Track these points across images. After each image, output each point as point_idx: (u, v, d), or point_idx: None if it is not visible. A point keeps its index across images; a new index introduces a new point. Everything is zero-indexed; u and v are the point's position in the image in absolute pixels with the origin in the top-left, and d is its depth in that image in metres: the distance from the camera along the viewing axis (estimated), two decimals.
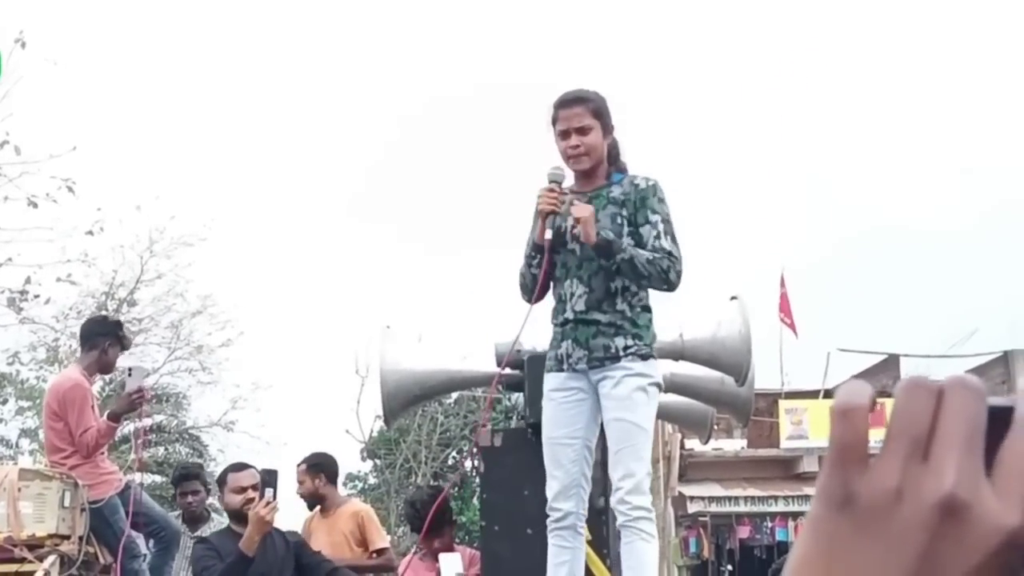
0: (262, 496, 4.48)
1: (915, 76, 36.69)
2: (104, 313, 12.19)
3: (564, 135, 3.65)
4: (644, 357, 3.61)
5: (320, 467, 5.93)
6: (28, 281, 13.11)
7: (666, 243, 3.59)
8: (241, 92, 35.11)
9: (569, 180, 3.79)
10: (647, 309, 3.71)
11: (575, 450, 3.66)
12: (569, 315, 3.67)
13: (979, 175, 36.47)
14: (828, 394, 22.16)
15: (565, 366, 3.67)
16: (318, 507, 5.91)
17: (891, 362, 22.43)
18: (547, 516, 3.71)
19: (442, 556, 5.15)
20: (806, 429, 20.63)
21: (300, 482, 5.90)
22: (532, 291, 3.73)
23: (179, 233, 17.81)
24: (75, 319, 15.22)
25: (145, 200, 17.50)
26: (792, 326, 21.76)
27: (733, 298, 5.23)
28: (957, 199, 39.03)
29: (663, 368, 5.90)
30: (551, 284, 3.78)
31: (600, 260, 3.59)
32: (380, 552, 5.78)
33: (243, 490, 4.64)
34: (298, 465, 5.97)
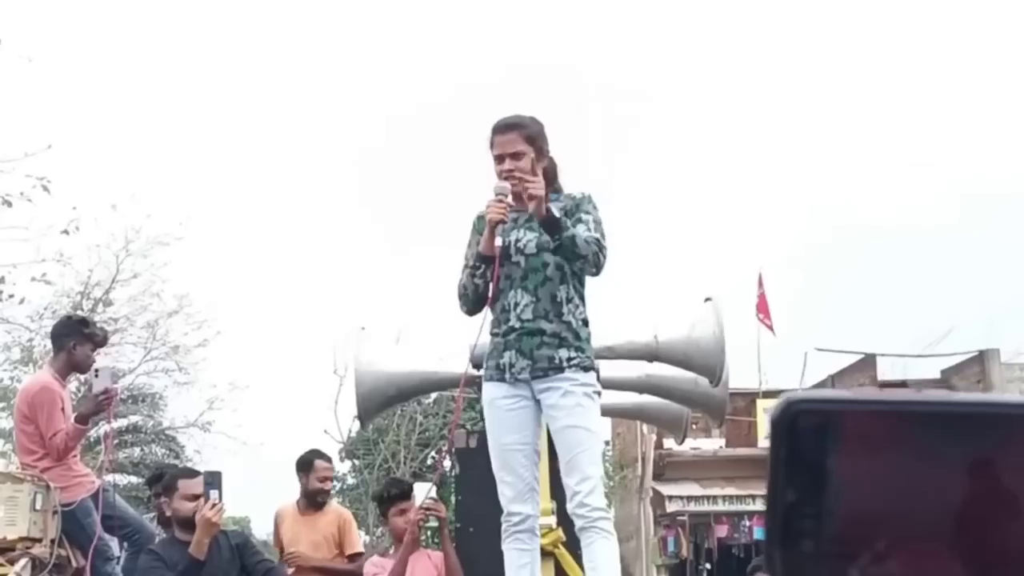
0: (207, 498, 4.45)
1: (881, 73, 36.92)
2: (70, 312, 12.09)
3: (499, 159, 3.79)
4: (586, 369, 3.74)
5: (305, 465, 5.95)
6: (2, 281, 12.98)
7: (596, 234, 3.75)
8: (216, 91, 34.95)
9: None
10: (586, 323, 3.84)
11: (526, 455, 3.75)
12: (514, 324, 3.75)
13: (947, 171, 36.74)
14: None
15: (507, 376, 3.75)
16: (296, 502, 5.89)
17: (868, 361, 22.59)
18: (505, 521, 3.75)
19: (417, 485, 5.16)
20: None
21: (329, 478, 5.89)
22: (475, 302, 3.82)
23: (155, 232, 17.69)
24: (50, 319, 15.06)
25: (121, 199, 17.44)
26: (770, 326, 21.87)
27: (707, 300, 5.26)
28: (933, 197, 39.35)
29: (638, 369, 5.93)
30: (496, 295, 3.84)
31: (545, 236, 3.71)
32: (354, 557, 5.80)
33: (195, 498, 4.59)
34: (326, 460, 5.99)
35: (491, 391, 3.78)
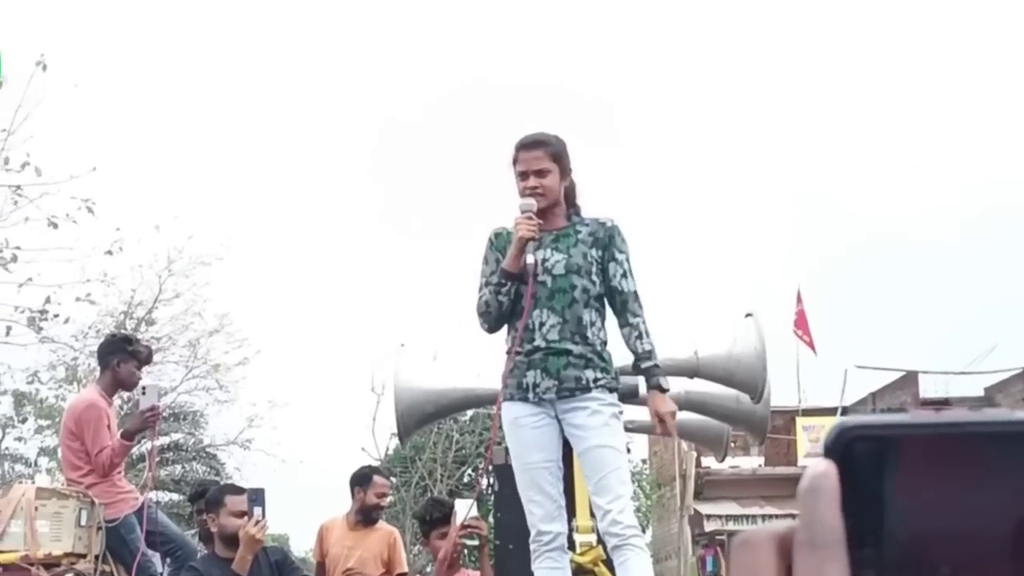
0: (251, 515, 4.48)
1: (911, 84, 36.52)
2: (114, 331, 12.26)
3: (523, 176, 3.80)
4: (612, 390, 3.77)
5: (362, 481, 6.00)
6: (48, 301, 13.18)
7: (631, 283, 3.83)
8: (256, 114, 35.37)
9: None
10: (606, 343, 3.87)
11: (552, 473, 3.75)
12: (540, 343, 3.74)
13: (993, 185, 36.27)
14: (846, 411, 22.04)
15: (531, 395, 3.74)
16: (345, 516, 5.90)
17: (909, 379, 22.30)
18: (535, 541, 3.75)
19: (458, 503, 5.16)
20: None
21: (386, 495, 5.94)
22: (497, 319, 3.81)
23: (197, 252, 17.90)
24: (94, 338, 15.26)
25: (164, 220, 17.62)
26: (810, 343, 21.67)
27: (748, 315, 5.23)
28: (978, 211, 38.84)
29: (678, 385, 5.90)
30: (512, 313, 3.83)
31: (574, 259, 3.79)
32: None
33: (242, 514, 4.62)
34: (384, 476, 6.03)
35: (515, 410, 3.77)
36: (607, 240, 3.81)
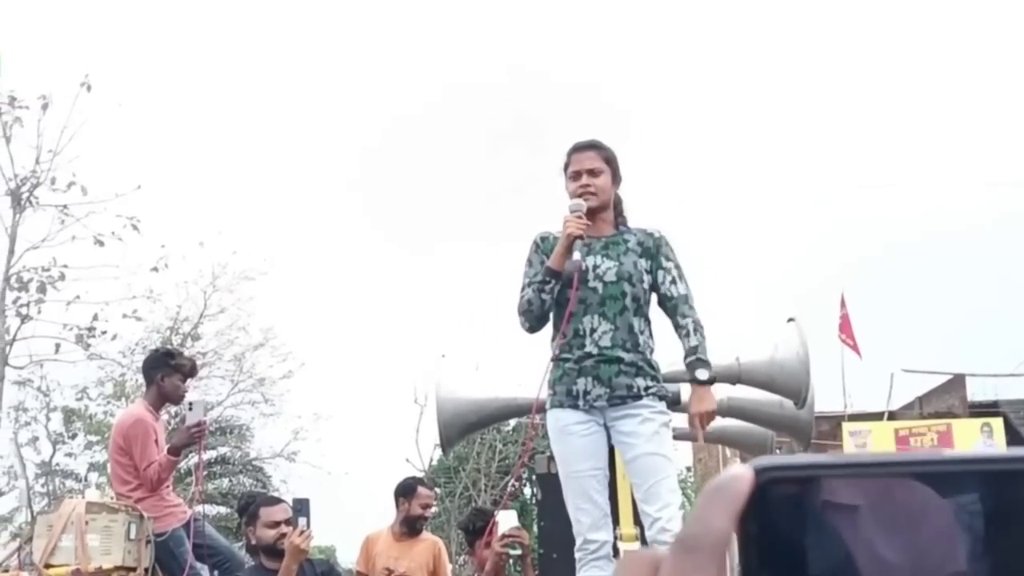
0: (295, 525, 4.51)
1: (958, 75, 36.00)
2: (157, 347, 12.44)
3: (575, 176, 3.82)
4: (662, 398, 3.77)
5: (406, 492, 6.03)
6: (96, 318, 13.43)
7: (682, 287, 3.82)
8: (299, 129, 35.70)
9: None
10: (654, 352, 3.88)
11: (599, 481, 3.75)
12: (591, 350, 3.73)
13: None
14: (893, 416, 21.76)
15: (582, 402, 3.73)
16: (390, 527, 5.94)
17: (956, 382, 21.97)
18: (582, 549, 3.74)
19: (498, 514, 5.17)
20: (871, 451, 20.24)
21: (430, 505, 5.98)
22: (539, 318, 3.80)
23: (241, 267, 18.14)
24: (141, 354, 15.48)
25: (208, 236, 17.86)
26: (855, 347, 21.43)
27: (790, 320, 5.19)
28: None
29: (720, 392, 5.87)
30: (561, 318, 3.82)
31: (625, 267, 3.79)
32: None
33: (276, 524, 4.65)
34: (428, 487, 6.09)
35: (563, 417, 3.76)
36: (655, 250, 3.83)
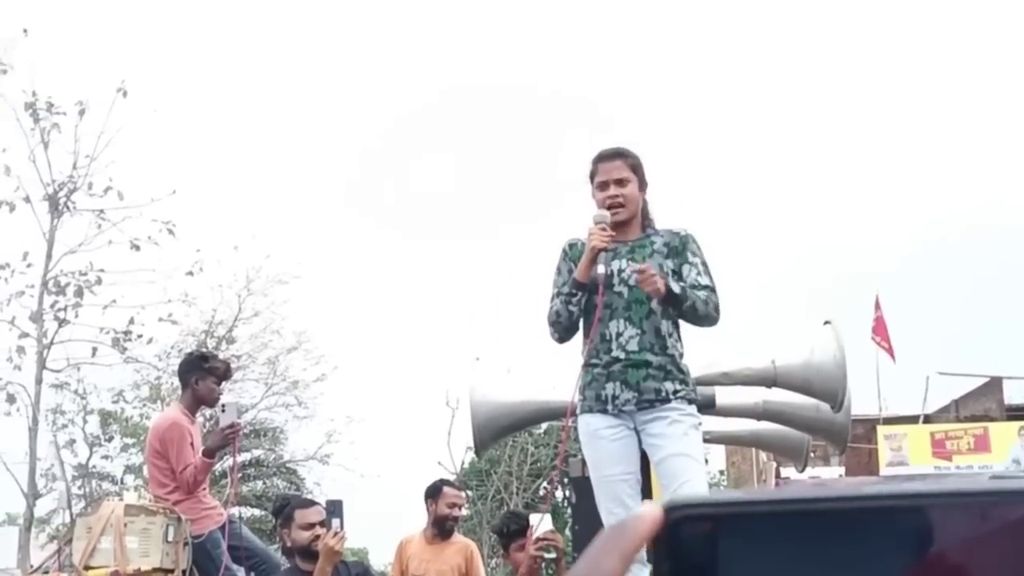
0: (329, 527, 4.52)
1: (992, 68, 35.57)
2: (191, 350, 12.54)
3: (603, 186, 3.81)
4: (691, 401, 3.75)
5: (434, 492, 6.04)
6: (132, 322, 13.55)
7: (705, 279, 3.77)
8: (329, 134, 35.90)
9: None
10: (683, 355, 3.84)
11: (631, 485, 3.74)
12: (619, 355, 3.72)
13: None
14: (928, 419, 21.53)
15: (610, 407, 3.73)
16: (423, 530, 5.95)
17: (993, 384, 21.71)
18: None
19: (532, 515, 5.16)
20: (906, 455, 20.06)
21: (457, 505, 5.98)
22: (567, 329, 3.82)
23: (274, 271, 18.25)
24: (176, 357, 15.60)
25: (242, 240, 17.97)
26: (889, 350, 21.22)
27: (826, 323, 5.15)
28: None
29: (756, 395, 5.84)
30: (590, 324, 3.82)
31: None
32: None
33: (311, 526, 4.67)
34: (455, 487, 6.10)
35: (593, 422, 3.76)
36: (681, 247, 3.81)
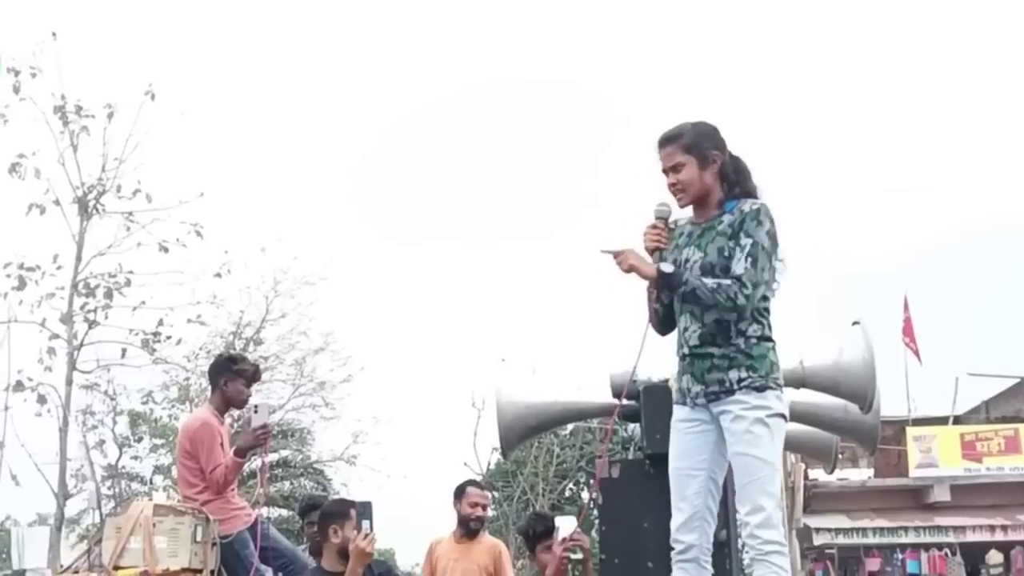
0: (359, 529, 4.54)
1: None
2: (222, 352, 12.59)
3: (664, 174, 3.75)
4: (760, 389, 3.56)
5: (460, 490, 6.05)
6: (160, 323, 13.63)
7: (739, 267, 3.57)
8: (356, 137, 36.03)
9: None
10: (765, 339, 3.64)
11: (699, 482, 3.64)
12: (686, 350, 3.70)
13: None
14: (958, 420, 21.31)
15: (687, 400, 3.70)
16: (453, 531, 5.97)
17: None
18: (671, 548, 3.68)
19: (558, 519, 5.16)
20: (936, 457, 19.86)
21: (481, 504, 5.99)
22: (660, 324, 3.82)
23: (301, 273, 18.33)
24: (205, 359, 15.73)
25: (269, 242, 18.03)
26: (916, 351, 21.02)
27: (855, 323, 5.11)
28: None
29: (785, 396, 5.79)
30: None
31: (709, 257, 3.64)
32: None
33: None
34: (479, 486, 6.12)
35: (676, 414, 3.74)
36: (739, 226, 3.62)
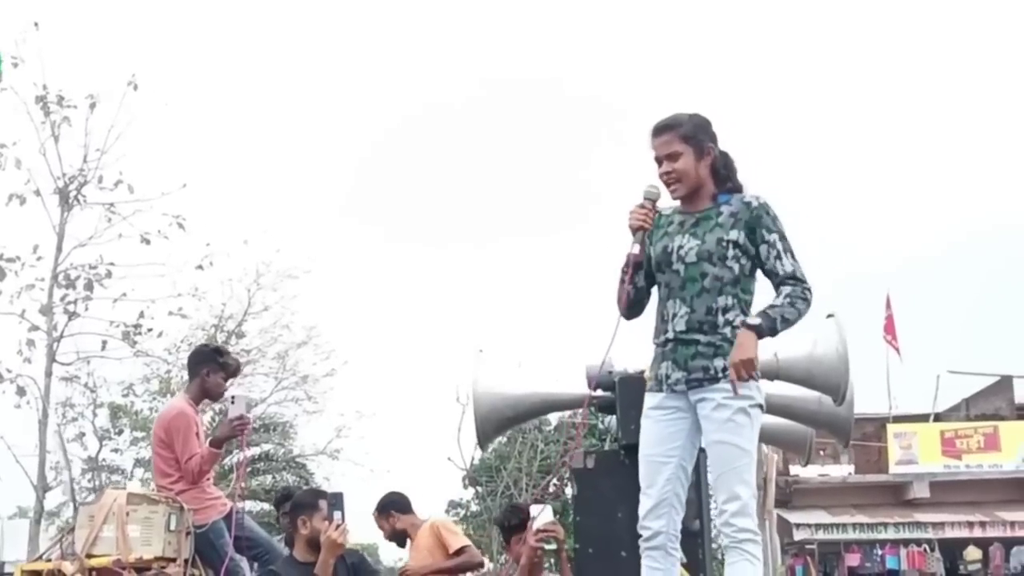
0: (331, 520, 4.55)
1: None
2: (206, 342, 12.52)
3: (657, 162, 3.72)
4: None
5: (387, 506, 6.10)
6: (142, 315, 13.58)
7: (788, 264, 3.61)
8: (339, 129, 35.96)
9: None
10: None
11: (670, 469, 3.63)
12: (670, 335, 3.67)
13: None
14: (939, 418, 21.44)
15: (664, 387, 3.67)
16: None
17: (1004, 384, 21.60)
18: (639, 536, 3.68)
19: (533, 507, 5.17)
20: (916, 454, 19.99)
21: (380, 528, 6.09)
22: (627, 307, 3.75)
23: (285, 266, 18.29)
24: (186, 351, 15.63)
25: (252, 234, 18.01)
26: (897, 348, 21.14)
27: (829, 316, 5.14)
28: None
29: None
30: (655, 303, 3.79)
31: (706, 245, 3.63)
32: (460, 552, 5.79)
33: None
34: (373, 515, 6.19)
35: (648, 401, 3.71)
36: (754, 222, 3.62)
